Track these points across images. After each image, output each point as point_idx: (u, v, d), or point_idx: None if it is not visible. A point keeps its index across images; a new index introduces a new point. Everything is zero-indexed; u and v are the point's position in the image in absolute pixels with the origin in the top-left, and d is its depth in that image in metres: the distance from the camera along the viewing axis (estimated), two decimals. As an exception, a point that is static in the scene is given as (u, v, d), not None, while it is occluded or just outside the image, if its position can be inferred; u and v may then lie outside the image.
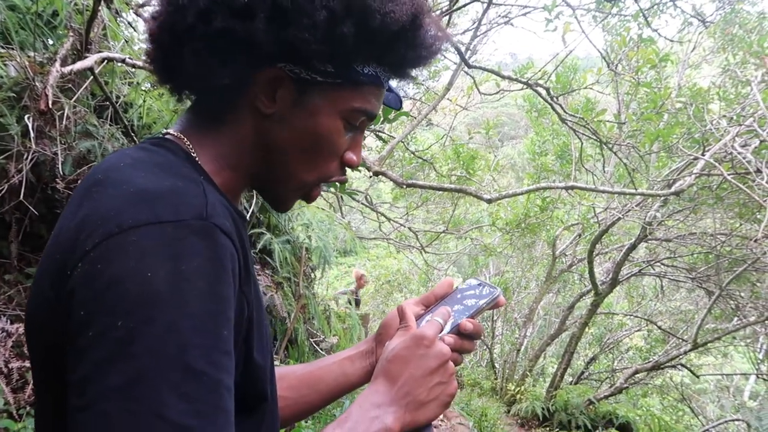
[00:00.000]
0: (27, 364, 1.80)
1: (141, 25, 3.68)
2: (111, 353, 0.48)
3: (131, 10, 3.36)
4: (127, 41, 3.12)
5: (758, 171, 3.93)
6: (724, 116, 4.89)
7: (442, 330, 0.78)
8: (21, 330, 1.87)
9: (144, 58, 0.72)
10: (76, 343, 0.51)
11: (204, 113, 0.71)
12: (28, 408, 1.96)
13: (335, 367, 0.90)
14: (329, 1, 0.62)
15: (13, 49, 2.22)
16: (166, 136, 0.70)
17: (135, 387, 0.47)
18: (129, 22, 3.58)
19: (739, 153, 4.19)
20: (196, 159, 0.67)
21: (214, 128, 0.70)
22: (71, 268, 0.53)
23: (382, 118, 3.07)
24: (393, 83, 0.77)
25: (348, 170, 0.79)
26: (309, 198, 0.77)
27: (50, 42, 2.74)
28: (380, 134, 5.50)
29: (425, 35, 0.69)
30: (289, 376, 0.89)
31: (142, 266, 0.50)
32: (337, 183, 0.80)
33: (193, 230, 0.54)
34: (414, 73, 0.74)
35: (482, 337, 0.91)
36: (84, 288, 0.52)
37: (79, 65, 1.67)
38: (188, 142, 0.69)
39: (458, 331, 0.80)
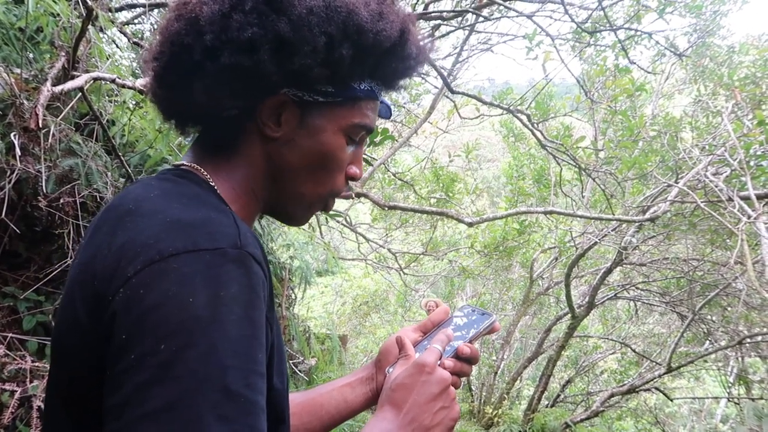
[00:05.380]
0: (6, 387, 1.76)
1: (123, 41, 3.67)
2: (153, 376, 0.49)
3: (115, 28, 3.35)
4: (109, 56, 3.11)
5: (729, 199, 4.03)
6: (696, 145, 5.04)
7: (441, 356, 0.79)
8: (1, 352, 1.82)
9: (150, 97, 0.74)
10: (116, 367, 0.52)
11: (213, 144, 0.73)
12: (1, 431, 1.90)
13: (336, 394, 0.91)
14: (327, 26, 0.65)
15: (-2, 65, 2.19)
16: (182, 167, 0.72)
17: (175, 409, 0.48)
18: (112, 39, 3.56)
19: (711, 181, 4.31)
20: (216, 189, 0.69)
21: (226, 157, 0.72)
22: (112, 293, 0.54)
23: (368, 142, 3.11)
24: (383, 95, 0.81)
25: None
26: (327, 209, 0.80)
27: (31, 55, 2.71)
28: (363, 156, 5.53)
29: (412, 47, 0.74)
30: (290, 403, 0.90)
31: (183, 292, 0.52)
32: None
33: (230, 258, 0.56)
34: (403, 83, 0.78)
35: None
36: (125, 312, 0.53)
37: (70, 85, 1.67)
38: (205, 173, 0.71)
39: (457, 355, 0.82)
